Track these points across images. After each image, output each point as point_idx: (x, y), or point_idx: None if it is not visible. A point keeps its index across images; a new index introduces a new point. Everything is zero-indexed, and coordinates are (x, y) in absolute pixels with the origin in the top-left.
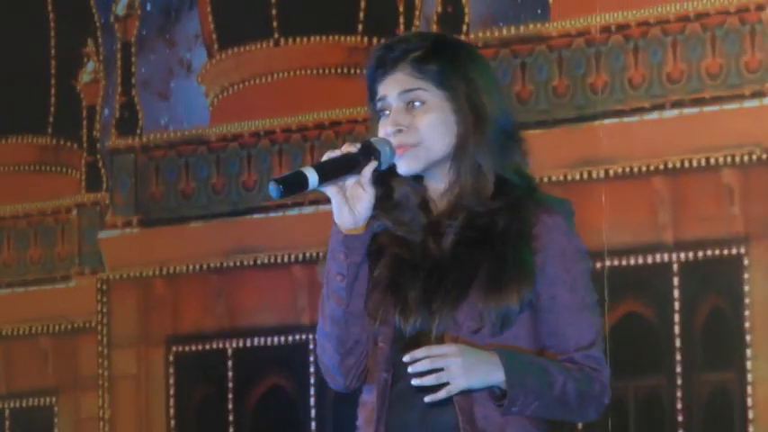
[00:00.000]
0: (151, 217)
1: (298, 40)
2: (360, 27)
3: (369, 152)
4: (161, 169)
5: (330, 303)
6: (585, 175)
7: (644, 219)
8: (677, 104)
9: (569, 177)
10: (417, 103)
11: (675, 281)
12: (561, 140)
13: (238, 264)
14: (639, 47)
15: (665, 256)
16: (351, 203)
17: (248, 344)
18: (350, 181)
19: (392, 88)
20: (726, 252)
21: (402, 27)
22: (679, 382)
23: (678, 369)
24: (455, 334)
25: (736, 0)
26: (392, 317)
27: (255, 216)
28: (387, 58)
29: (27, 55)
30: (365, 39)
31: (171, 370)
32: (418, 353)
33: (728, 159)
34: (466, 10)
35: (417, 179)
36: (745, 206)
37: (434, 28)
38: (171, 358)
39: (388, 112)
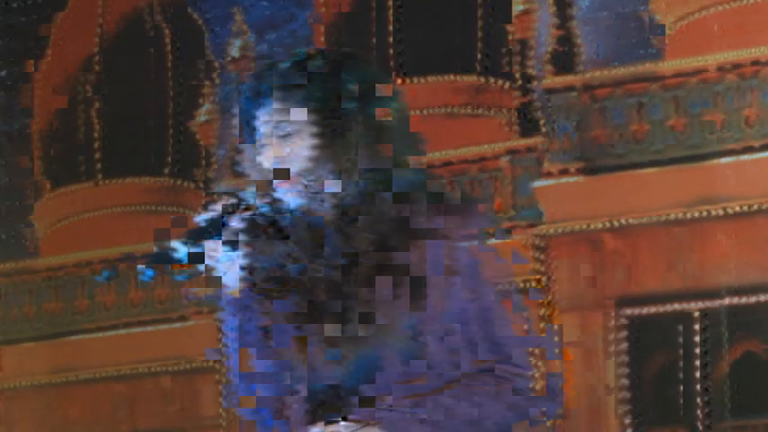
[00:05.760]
0: None
1: (421, 79)
2: (478, 67)
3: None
4: None
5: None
6: (705, 214)
7: (764, 258)
8: None
9: (689, 216)
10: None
11: None
12: (677, 179)
13: None
14: (754, 86)
15: None
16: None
17: None
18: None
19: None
20: None
21: (516, 67)
22: None
23: None
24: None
25: None
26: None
27: None
28: (260, 89)
29: (145, 96)
30: (483, 78)
31: None
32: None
33: None
34: (579, 50)
35: None
36: None
37: (547, 67)
38: None
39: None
